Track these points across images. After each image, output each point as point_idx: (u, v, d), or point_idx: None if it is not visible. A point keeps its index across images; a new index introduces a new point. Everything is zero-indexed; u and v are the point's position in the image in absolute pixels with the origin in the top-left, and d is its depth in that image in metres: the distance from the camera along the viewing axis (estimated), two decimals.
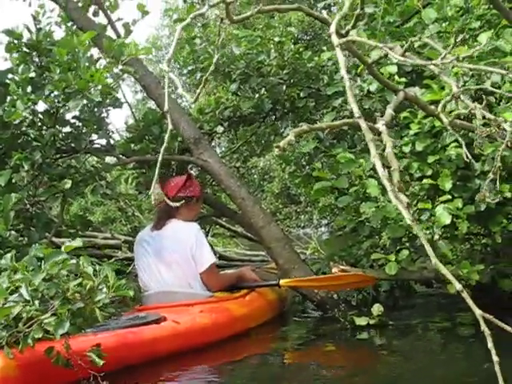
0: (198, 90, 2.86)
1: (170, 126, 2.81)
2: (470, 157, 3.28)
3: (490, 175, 3.28)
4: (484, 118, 3.24)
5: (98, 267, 3.08)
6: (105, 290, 3.00)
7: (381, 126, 2.73)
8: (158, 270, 4.34)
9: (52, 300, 2.85)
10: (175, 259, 4.30)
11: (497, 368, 2.20)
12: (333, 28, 2.82)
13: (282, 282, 4.47)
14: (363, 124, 2.55)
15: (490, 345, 2.21)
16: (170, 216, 4.39)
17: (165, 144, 2.78)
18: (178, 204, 3.19)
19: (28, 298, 2.82)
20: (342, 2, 5.83)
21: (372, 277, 4.25)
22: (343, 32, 3.04)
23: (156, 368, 3.45)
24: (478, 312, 2.29)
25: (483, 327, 2.24)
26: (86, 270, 3.02)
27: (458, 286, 2.31)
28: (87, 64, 3.69)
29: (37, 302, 2.82)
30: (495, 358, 2.20)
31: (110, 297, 2.98)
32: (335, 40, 2.72)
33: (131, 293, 3.04)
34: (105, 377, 2.88)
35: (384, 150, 3.97)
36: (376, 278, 4.28)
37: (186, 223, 4.41)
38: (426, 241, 2.38)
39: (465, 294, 2.29)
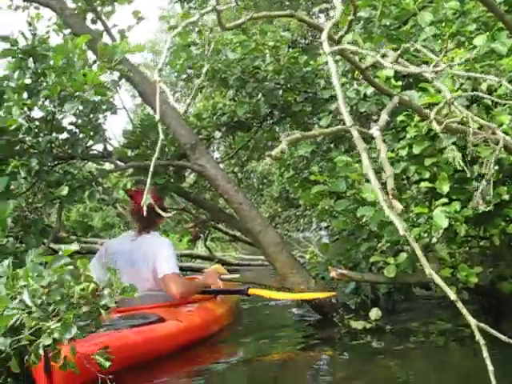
0: (187, 101, 2.84)
1: (162, 136, 2.77)
2: (461, 163, 3.26)
3: (484, 182, 3.27)
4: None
5: None
6: (109, 291, 2.96)
7: (375, 131, 2.69)
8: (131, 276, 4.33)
9: (56, 305, 2.82)
10: (143, 270, 4.30)
11: (491, 377, 2.20)
12: (324, 36, 2.79)
13: (250, 290, 4.68)
14: (355, 133, 2.50)
15: (486, 354, 2.20)
16: (147, 225, 4.41)
17: (156, 154, 2.74)
18: (169, 214, 3.17)
19: (30, 304, 2.78)
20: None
21: (331, 294, 4.45)
22: (336, 38, 3.01)
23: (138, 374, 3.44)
24: (472, 322, 2.27)
25: (478, 337, 2.23)
26: (87, 273, 2.98)
27: (453, 296, 2.29)
28: (81, 66, 3.69)
29: (39, 309, 2.79)
30: (490, 368, 2.19)
31: (115, 299, 2.95)
32: (326, 48, 2.68)
33: (136, 294, 3.01)
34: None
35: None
36: (336, 295, 4.51)
37: (155, 237, 4.42)
38: (419, 251, 2.36)
39: (460, 305, 2.27)
